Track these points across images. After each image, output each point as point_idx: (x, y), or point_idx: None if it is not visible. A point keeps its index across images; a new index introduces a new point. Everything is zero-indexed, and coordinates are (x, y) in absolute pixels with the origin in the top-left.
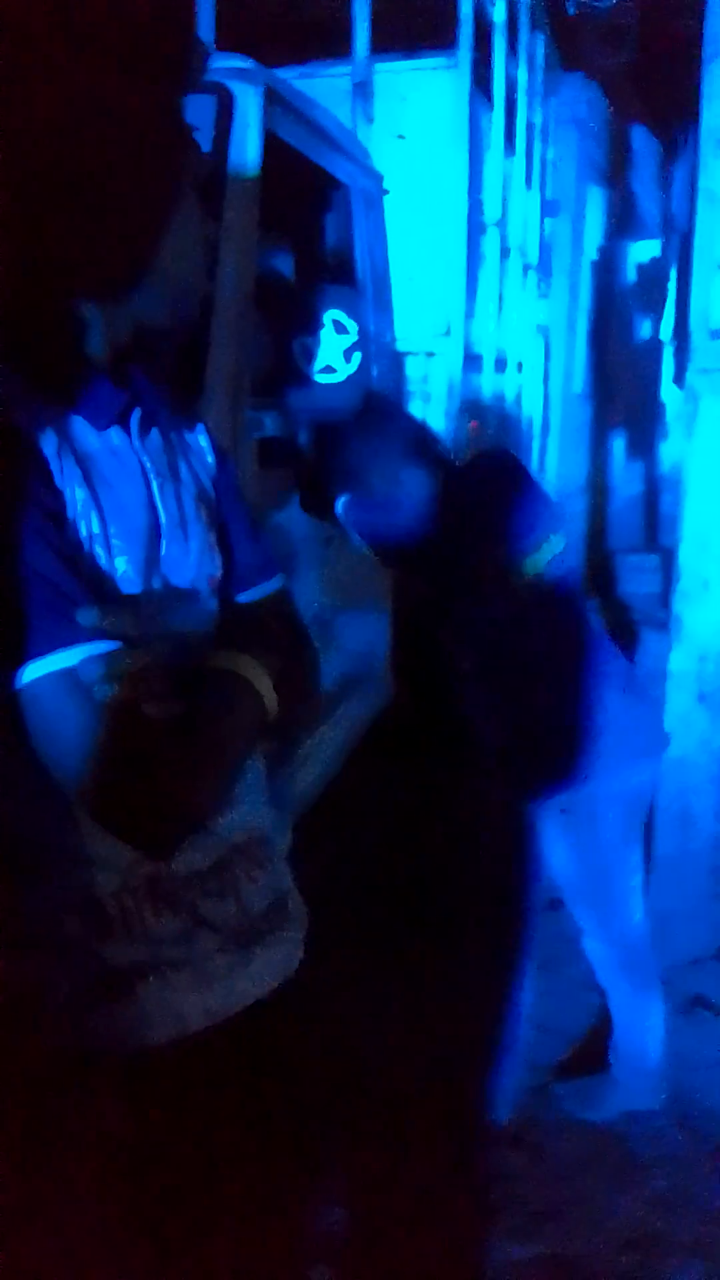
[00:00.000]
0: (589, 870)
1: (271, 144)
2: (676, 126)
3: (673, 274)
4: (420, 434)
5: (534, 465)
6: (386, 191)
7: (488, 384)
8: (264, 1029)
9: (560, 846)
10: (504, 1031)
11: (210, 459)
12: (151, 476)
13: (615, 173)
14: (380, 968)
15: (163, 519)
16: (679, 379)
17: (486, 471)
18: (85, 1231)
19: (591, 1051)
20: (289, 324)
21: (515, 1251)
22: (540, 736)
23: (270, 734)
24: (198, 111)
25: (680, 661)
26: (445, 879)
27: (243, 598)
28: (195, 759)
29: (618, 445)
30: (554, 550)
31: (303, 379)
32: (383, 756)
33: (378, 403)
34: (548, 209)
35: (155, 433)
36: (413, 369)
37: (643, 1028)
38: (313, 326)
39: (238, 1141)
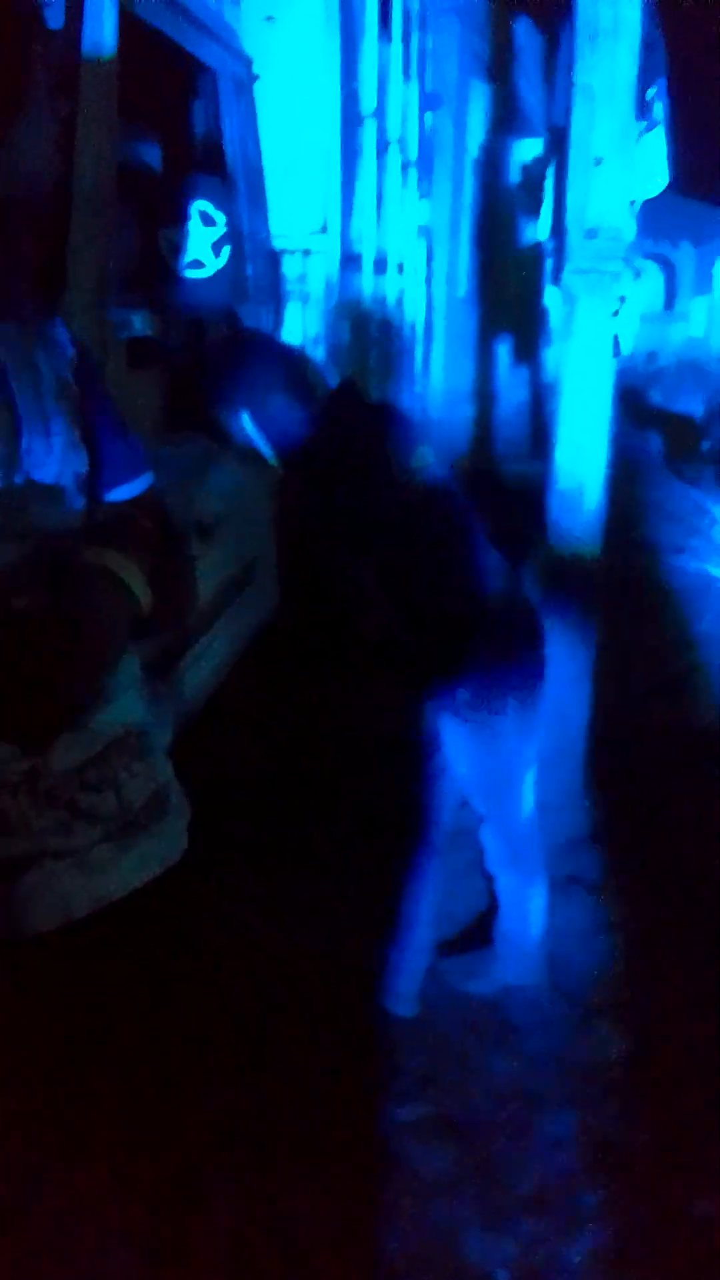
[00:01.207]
0: (487, 761)
1: (130, 24)
2: (559, 18)
3: (550, 172)
4: (300, 361)
5: (418, 370)
6: (256, 77)
7: (367, 285)
8: (149, 914)
9: (460, 739)
10: (403, 925)
11: (70, 353)
12: (8, 371)
13: (498, 66)
14: (275, 859)
15: (20, 413)
16: (556, 279)
17: (351, 398)
18: None
19: (474, 931)
20: (156, 216)
21: (400, 1114)
22: (436, 631)
23: (144, 630)
24: None
25: (555, 563)
26: (337, 774)
27: (111, 495)
28: (66, 652)
29: (503, 351)
30: (425, 460)
31: (170, 274)
32: (271, 659)
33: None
34: (428, 102)
35: (7, 326)
36: (289, 267)
37: (525, 911)
38: (179, 218)
39: (128, 1024)
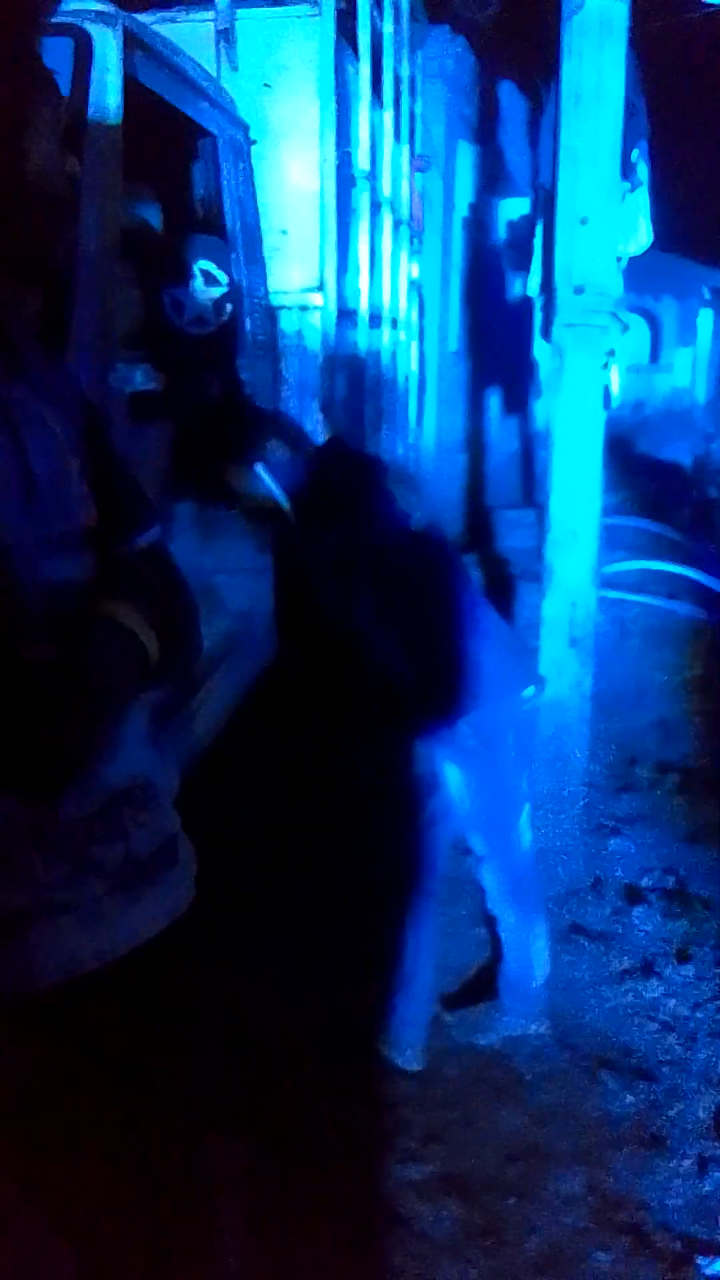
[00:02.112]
0: (486, 797)
1: (134, 90)
2: (543, 82)
3: (539, 230)
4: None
5: (412, 423)
6: (254, 141)
7: (362, 339)
8: (156, 968)
9: (459, 778)
10: (406, 973)
11: (80, 408)
12: (21, 430)
13: (484, 128)
14: (277, 910)
15: (34, 467)
16: (546, 333)
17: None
18: None
19: (477, 983)
20: (158, 275)
21: (407, 1171)
22: (434, 674)
23: (153, 682)
24: (55, 55)
25: (553, 608)
26: (336, 822)
27: (120, 548)
28: (77, 704)
29: (494, 403)
30: (415, 508)
31: (174, 331)
32: (271, 709)
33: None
34: (418, 164)
35: (19, 386)
36: (286, 323)
37: (528, 953)
38: (183, 277)
39: (132, 1080)
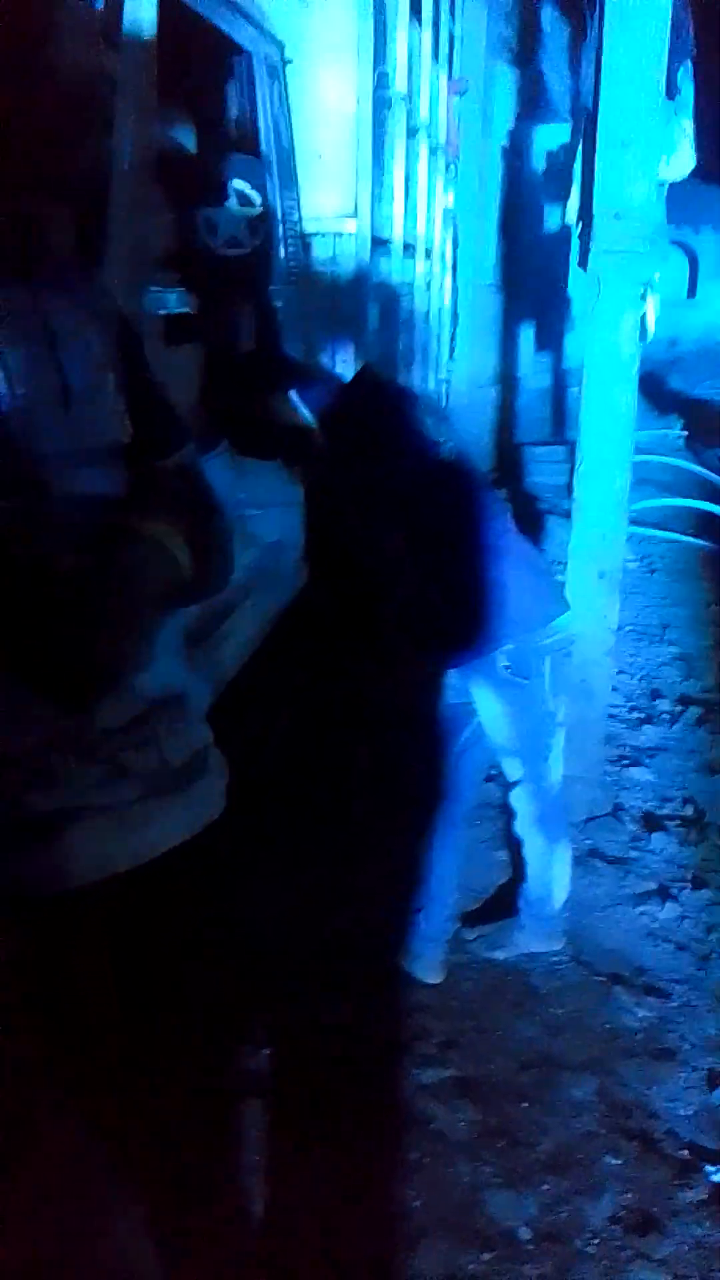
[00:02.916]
0: (524, 722)
1: (168, 3)
2: (585, 5)
3: (579, 156)
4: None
5: (444, 357)
6: (289, 60)
7: (396, 269)
8: (191, 873)
9: (497, 703)
10: (431, 891)
11: (117, 323)
12: (58, 340)
13: (524, 52)
14: (305, 830)
15: (71, 382)
16: (583, 262)
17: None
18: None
19: (496, 902)
20: (192, 196)
21: (425, 1075)
22: (468, 604)
23: (186, 597)
24: None
25: (581, 541)
26: (366, 746)
27: (153, 464)
28: (111, 613)
29: (526, 338)
30: (447, 436)
31: (208, 253)
32: (299, 640)
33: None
34: (455, 87)
35: (58, 297)
36: (320, 250)
37: (550, 875)
38: (217, 198)
39: (160, 977)
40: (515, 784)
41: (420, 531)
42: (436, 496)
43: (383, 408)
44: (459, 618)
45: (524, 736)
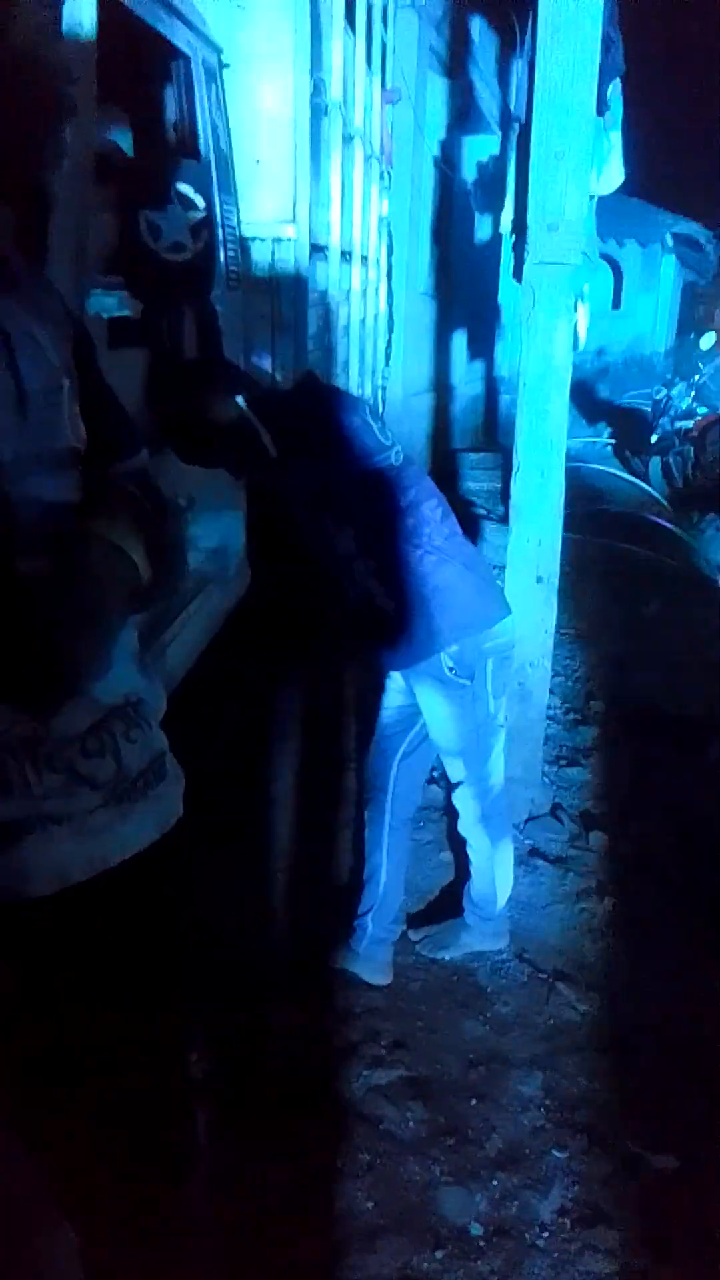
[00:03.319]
0: (467, 723)
1: (107, 5)
2: (517, 15)
3: (512, 166)
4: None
5: (381, 363)
6: (227, 65)
7: (335, 275)
8: (144, 878)
9: (441, 704)
10: (379, 893)
11: (69, 328)
12: (12, 341)
13: (455, 63)
14: (254, 832)
15: (25, 387)
16: (517, 274)
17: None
18: None
19: (441, 903)
20: (133, 199)
21: (375, 1076)
22: (415, 606)
23: (142, 601)
24: None
25: (519, 546)
26: (311, 747)
27: (108, 470)
28: (73, 619)
29: (459, 345)
30: (389, 439)
31: (150, 257)
32: (245, 641)
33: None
34: (388, 96)
35: (7, 300)
36: (258, 255)
37: (494, 875)
38: (160, 200)
39: (115, 984)
40: (458, 785)
41: (367, 534)
42: (383, 500)
43: (328, 413)
44: (404, 619)
45: (466, 737)
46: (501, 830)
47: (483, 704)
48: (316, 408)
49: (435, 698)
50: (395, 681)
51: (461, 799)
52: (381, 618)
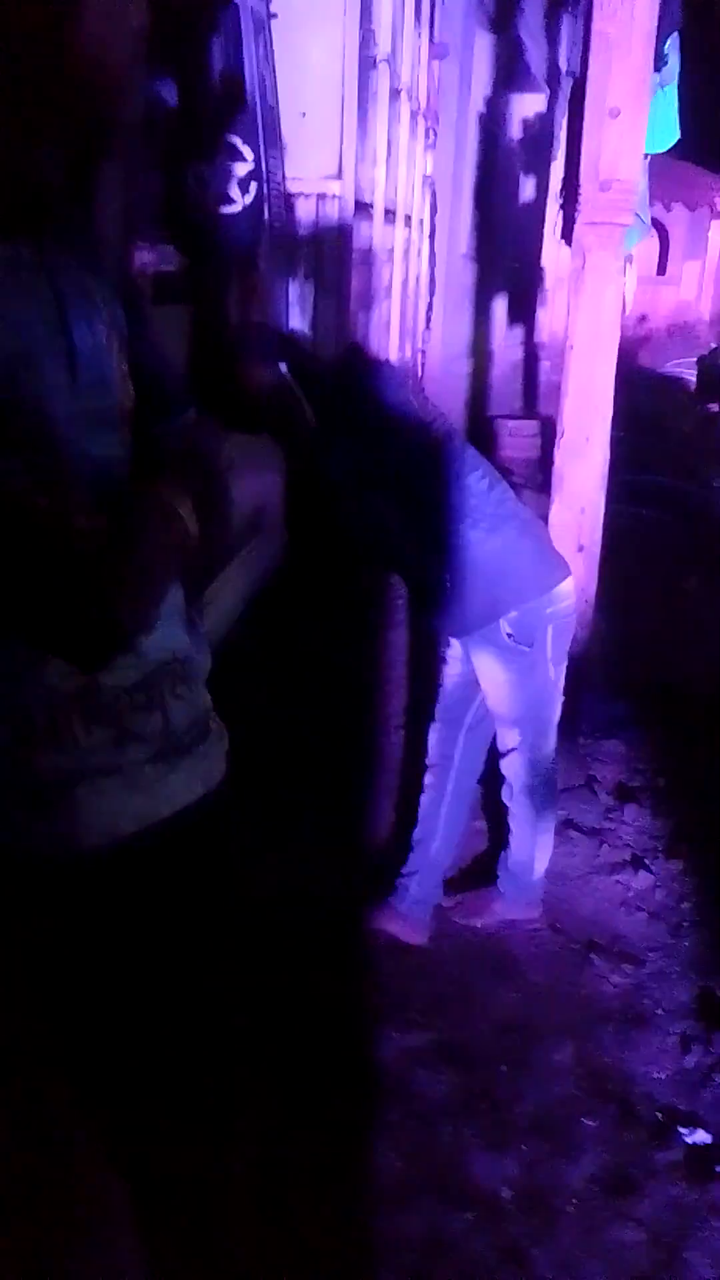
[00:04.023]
0: (525, 691)
1: None
2: None
3: (560, 125)
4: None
5: (423, 325)
6: (275, 15)
7: (378, 235)
8: (192, 833)
9: (499, 671)
10: (427, 857)
11: (119, 285)
12: (66, 300)
13: (502, 18)
14: (298, 794)
15: (77, 345)
16: (567, 235)
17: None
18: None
19: (476, 871)
20: (180, 151)
21: (407, 1040)
22: (469, 577)
23: (191, 558)
24: None
25: (562, 514)
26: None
27: (158, 428)
28: (126, 574)
29: (499, 310)
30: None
31: (197, 210)
32: (284, 606)
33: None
34: (436, 51)
35: (64, 257)
36: (303, 211)
37: (533, 845)
38: (210, 153)
39: (167, 944)
40: (510, 752)
41: (413, 509)
42: (426, 476)
43: (369, 388)
44: (460, 589)
45: (525, 704)
46: (547, 801)
47: (542, 670)
48: (358, 382)
49: (494, 665)
50: (455, 650)
51: (511, 766)
52: (437, 588)
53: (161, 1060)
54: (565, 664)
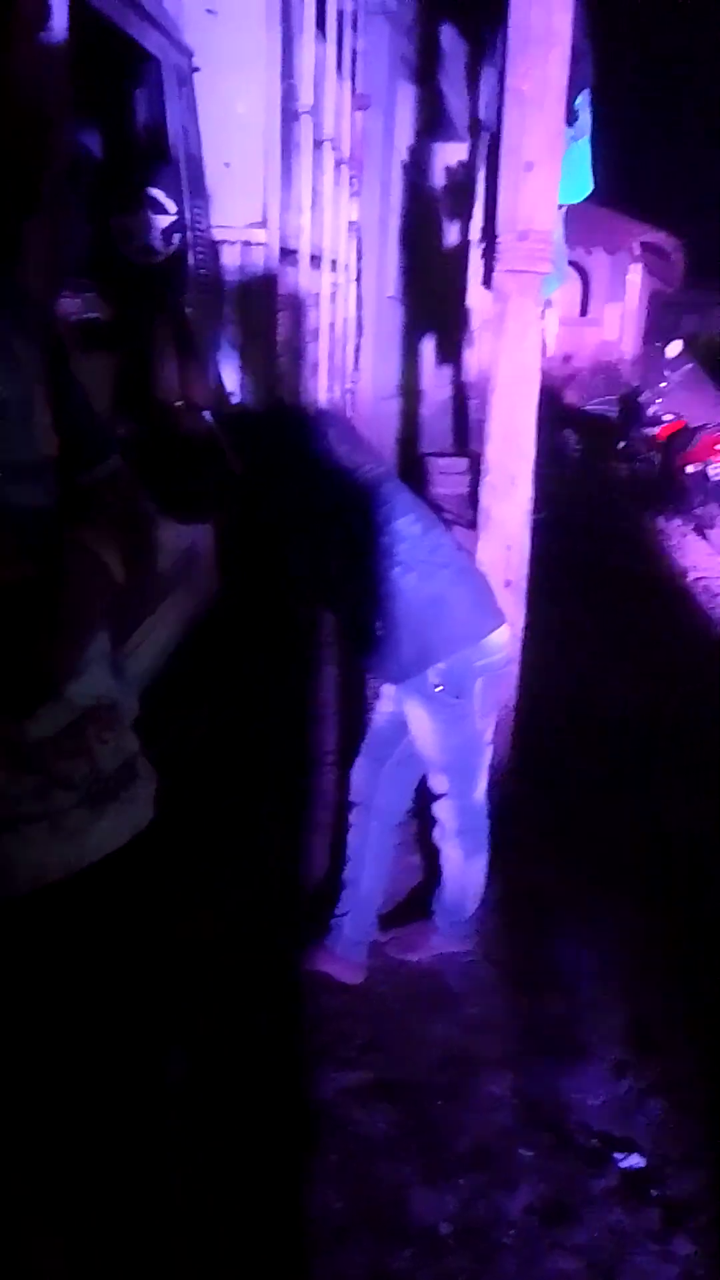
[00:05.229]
0: (452, 739)
1: (78, 7)
2: (486, 26)
3: (480, 173)
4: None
5: (352, 366)
6: (197, 69)
7: (304, 280)
8: (119, 880)
9: (426, 720)
10: (359, 896)
11: (45, 334)
12: None
13: (425, 70)
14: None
15: (2, 394)
16: (487, 280)
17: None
18: None
19: (410, 905)
20: (103, 202)
21: (345, 1078)
22: (399, 625)
23: (117, 604)
24: None
25: (488, 551)
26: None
27: (83, 476)
28: (54, 624)
29: (427, 350)
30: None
31: (121, 261)
32: (215, 646)
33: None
34: (359, 102)
35: None
36: (228, 259)
37: (465, 884)
38: (130, 205)
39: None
40: (439, 797)
41: (350, 553)
42: (356, 520)
43: (296, 437)
44: (390, 636)
45: (451, 753)
46: (478, 844)
47: (469, 722)
48: (285, 431)
49: (421, 713)
50: (388, 689)
51: (440, 811)
52: (368, 634)
53: (91, 1106)
54: (495, 715)
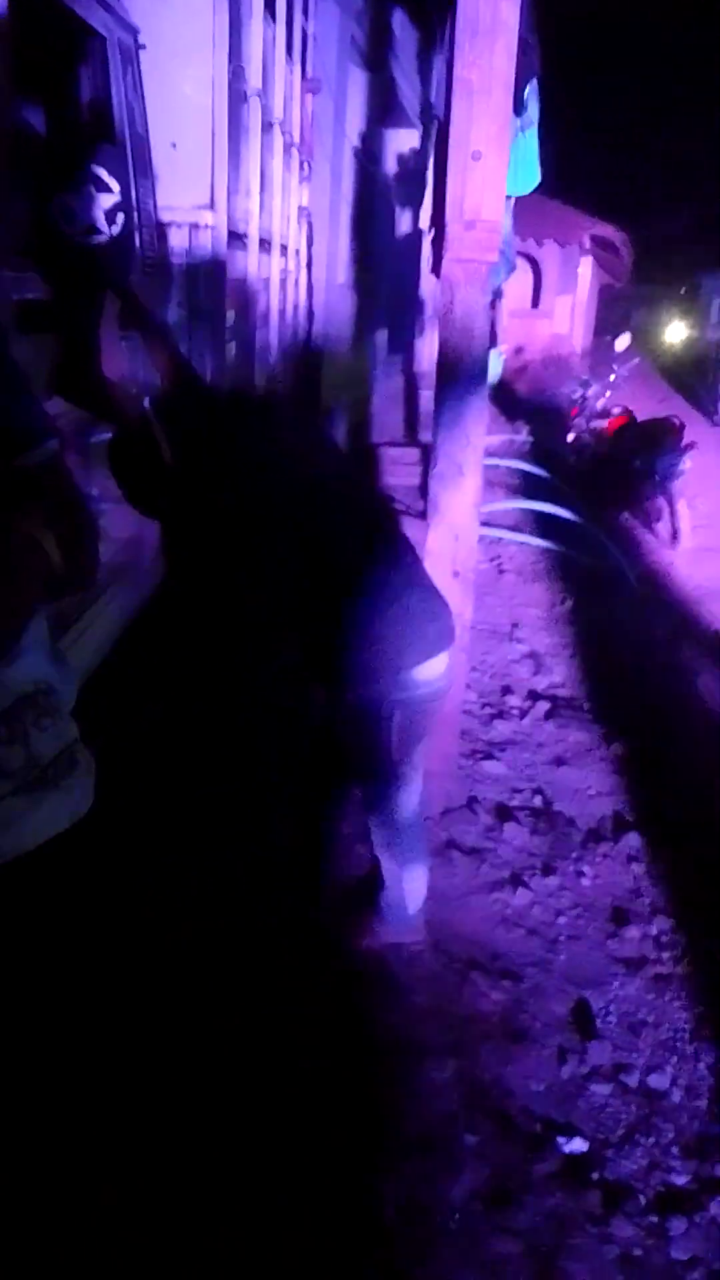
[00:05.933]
0: (371, 762)
1: None
2: (436, 13)
3: (430, 164)
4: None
5: (302, 355)
6: (143, 46)
7: (253, 265)
8: (57, 866)
9: (362, 737)
10: (302, 878)
11: None
12: None
13: (375, 56)
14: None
15: None
16: (436, 269)
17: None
18: None
19: (358, 893)
20: (45, 181)
21: (290, 1068)
22: (348, 637)
23: (54, 591)
24: None
25: (437, 541)
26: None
27: (19, 460)
28: None
29: (379, 339)
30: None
31: (64, 240)
32: (156, 637)
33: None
34: (309, 86)
35: None
36: (175, 241)
37: (402, 886)
38: (75, 183)
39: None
40: (370, 810)
41: (286, 555)
42: (300, 517)
43: (234, 431)
44: (326, 648)
45: (369, 773)
46: (411, 856)
47: (386, 752)
48: (222, 421)
49: (352, 730)
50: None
51: (371, 822)
52: (304, 642)
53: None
54: (425, 739)
